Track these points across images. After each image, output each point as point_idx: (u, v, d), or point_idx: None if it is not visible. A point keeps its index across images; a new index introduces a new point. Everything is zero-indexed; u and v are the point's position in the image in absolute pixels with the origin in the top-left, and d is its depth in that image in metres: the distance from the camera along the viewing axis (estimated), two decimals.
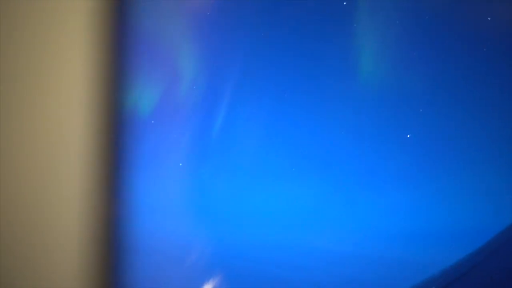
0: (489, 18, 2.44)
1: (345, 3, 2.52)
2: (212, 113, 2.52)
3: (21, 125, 0.89)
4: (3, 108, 0.88)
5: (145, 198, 2.23)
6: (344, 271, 2.27)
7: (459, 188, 2.38)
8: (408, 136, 2.47)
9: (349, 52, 2.51)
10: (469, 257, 2.22)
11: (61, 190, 0.90)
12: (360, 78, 2.51)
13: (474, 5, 2.45)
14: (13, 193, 0.88)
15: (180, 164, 2.44)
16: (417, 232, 2.32)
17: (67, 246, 0.89)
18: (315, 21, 2.50)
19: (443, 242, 2.29)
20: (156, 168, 2.38)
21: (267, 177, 2.55)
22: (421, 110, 2.50)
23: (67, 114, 0.90)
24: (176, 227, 2.33)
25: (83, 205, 0.90)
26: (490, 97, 2.44)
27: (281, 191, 2.53)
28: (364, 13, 2.50)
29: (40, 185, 0.89)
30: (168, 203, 2.37)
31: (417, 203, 2.38)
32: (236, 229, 2.40)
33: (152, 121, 2.40)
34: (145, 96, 2.43)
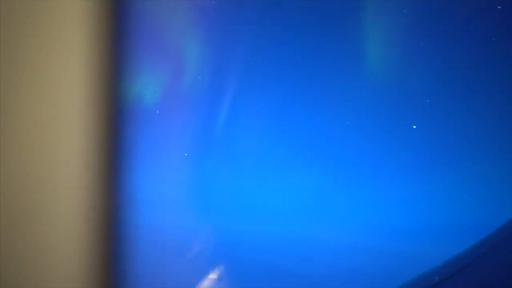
0: (499, 7, 2.41)
1: None
2: (216, 104, 2.52)
3: (21, 117, 0.89)
4: (5, 99, 0.88)
5: (148, 190, 2.25)
6: (347, 262, 2.29)
7: (462, 181, 2.37)
8: (414, 127, 2.46)
9: (353, 44, 2.49)
10: (471, 249, 2.23)
11: (63, 181, 0.90)
12: (364, 70, 2.49)
13: None
14: (13, 186, 0.89)
15: (186, 154, 2.45)
16: (421, 224, 2.33)
17: (68, 237, 0.89)
18: (320, 14, 2.48)
19: (446, 235, 2.30)
20: (160, 159, 2.39)
21: (271, 169, 2.55)
22: (427, 101, 2.49)
23: (69, 105, 0.90)
24: (180, 219, 2.34)
25: (85, 196, 0.90)
26: (495, 92, 2.43)
27: (285, 183, 2.54)
28: (369, 5, 2.48)
29: (41, 176, 0.89)
30: (171, 195, 2.39)
31: (421, 195, 2.38)
32: (240, 222, 2.41)
33: (157, 111, 2.40)
34: (149, 88, 2.43)
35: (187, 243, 2.20)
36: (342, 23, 2.44)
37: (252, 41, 2.49)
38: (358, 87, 2.43)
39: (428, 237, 2.26)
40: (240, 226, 2.33)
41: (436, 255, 2.21)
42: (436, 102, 2.43)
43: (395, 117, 2.45)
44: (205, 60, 2.51)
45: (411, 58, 2.47)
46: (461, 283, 2.16)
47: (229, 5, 2.49)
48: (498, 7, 2.38)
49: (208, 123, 2.53)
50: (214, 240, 2.24)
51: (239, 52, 2.52)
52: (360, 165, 2.40)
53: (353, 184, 2.38)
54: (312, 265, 2.27)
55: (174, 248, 2.18)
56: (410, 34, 2.43)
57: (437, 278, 2.18)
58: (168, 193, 2.30)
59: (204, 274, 2.15)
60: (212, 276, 2.16)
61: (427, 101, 2.45)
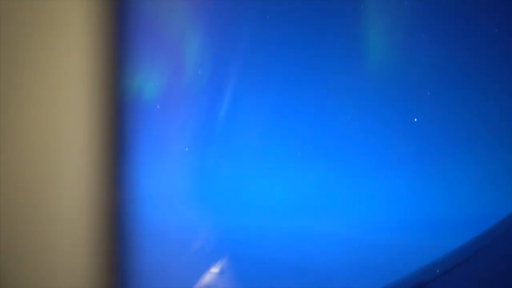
0: None
1: None
2: (217, 99, 2.52)
3: (23, 114, 0.89)
4: (7, 96, 0.88)
5: (149, 186, 2.25)
6: (349, 256, 2.29)
7: (463, 175, 2.38)
8: (415, 120, 2.46)
9: (354, 39, 2.49)
10: (473, 242, 2.24)
11: (66, 177, 0.90)
12: (365, 65, 2.49)
13: None
14: (15, 183, 0.89)
15: (186, 149, 2.45)
16: (422, 217, 2.33)
17: (72, 234, 0.89)
18: (320, 7, 2.47)
19: (448, 228, 2.31)
20: (161, 154, 2.39)
21: (272, 163, 2.55)
22: (429, 94, 2.49)
23: (71, 102, 0.90)
24: (181, 214, 2.35)
25: (88, 192, 0.90)
26: (496, 86, 2.42)
27: (286, 178, 2.54)
28: (371, 0, 2.47)
29: (43, 173, 0.89)
30: (173, 190, 2.39)
31: (422, 189, 2.38)
32: (241, 216, 2.42)
33: (158, 107, 2.40)
34: (149, 83, 2.42)
35: (190, 238, 2.21)
36: (343, 17, 2.43)
37: (252, 36, 2.48)
38: (358, 82, 2.43)
39: (430, 230, 2.27)
40: (241, 221, 2.34)
41: (437, 248, 2.22)
42: (437, 95, 2.42)
43: (396, 111, 2.44)
44: (205, 55, 2.51)
45: (411, 51, 2.46)
46: (462, 276, 2.17)
47: (230, 1, 2.48)
48: None
49: (209, 117, 2.53)
50: (216, 234, 2.25)
51: (239, 47, 2.51)
52: (361, 159, 2.40)
53: (355, 178, 2.39)
54: (313, 258, 2.28)
55: (176, 243, 2.19)
56: (410, 27, 2.42)
57: (438, 270, 2.19)
58: (169, 188, 2.31)
59: (206, 268, 2.16)
60: (215, 270, 2.17)
61: (428, 93, 2.44)
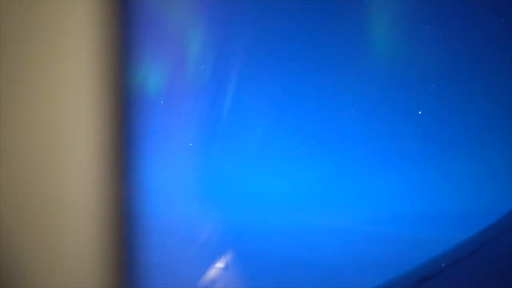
0: None
1: None
2: (220, 94, 2.52)
3: (31, 112, 0.89)
4: (15, 93, 0.89)
5: (155, 181, 2.25)
6: (353, 249, 2.29)
7: (468, 169, 2.37)
8: (420, 112, 2.44)
9: (358, 33, 2.47)
10: (477, 236, 2.23)
11: (73, 173, 0.90)
12: (368, 60, 2.47)
13: None
14: (24, 179, 0.89)
15: (190, 144, 2.45)
16: (427, 211, 2.33)
17: (80, 228, 0.90)
18: (324, 4, 2.46)
19: (452, 221, 2.30)
20: (166, 149, 2.39)
21: (276, 158, 2.55)
22: (433, 86, 2.47)
23: (78, 99, 0.90)
24: (186, 208, 2.35)
25: (95, 188, 0.91)
26: (501, 81, 2.41)
27: (290, 172, 2.54)
28: None
29: (52, 169, 0.90)
30: (178, 185, 2.39)
31: (427, 183, 2.38)
32: (246, 210, 2.42)
33: (162, 102, 2.40)
34: (153, 77, 2.42)
35: (194, 233, 2.21)
36: (346, 12, 2.41)
37: (255, 32, 2.47)
38: (361, 77, 2.42)
39: (434, 224, 2.27)
40: (246, 216, 2.33)
41: (442, 242, 2.22)
42: (441, 91, 2.41)
43: (399, 107, 2.43)
44: (209, 51, 2.50)
45: (415, 46, 2.44)
46: (467, 269, 2.16)
47: None
48: None
49: (212, 113, 2.53)
50: (221, 229, 2.25)
51: (242, 43, 2.50)
52: (365, 154, 2.40)
53: (358, 173, 2.38)
54: (318, 252, 2.27)
55: (182, 238, 2.19)
56: (414, 21, 2.40)
57: (443, 264, 2.19)
58: (174, 184, 2.31)
59: (211, 262, 2.16)
60: (220, 264, 2.17)
61: (433, 85, 2.43)
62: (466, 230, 2.25)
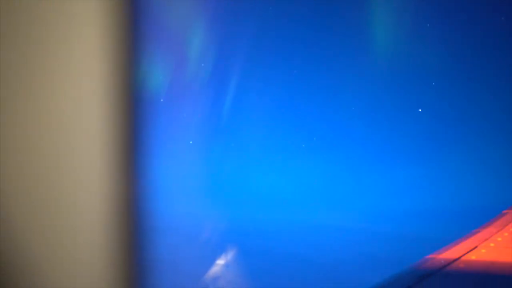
0: None
1: None
2: (222, 92, 2.52)
3: (41, 109, 0.90)
4: (26, 91, 0.89)
5: (159, 178, 2.25)
6: (354, 247, 2.31)
7: (469, 166, 2.38)
8: (420, 110, 2.45)
9: (359, 32, 2.47)
10: (477, 233, 2.24)
11: (80, 172, 0.91)
12: (369, 58, 2.48)
13: None
14: (34, 178, 0.90)
15: (191, 142, 2.45)
16: (427, 209, 2.34)
17: (89, 226, 0.91)
18: (325, 2, 2.46)
19: (451, 219, 2.32)
20: (168, 147, 2.40)
21: (278, 156, 2.56)
22: (433, 83, 2.48)
23: (84, 97, 0.91)
24: (189, 207, 2.36)
25: (103, 187, 0.91)
26: (502, 77, 2.41)
27: (292, 170, 2.55)
28: None
29: (62, 167, 0.90)
30: (181, 183, 2.40)
31: (428, 181, 2.39)
32: (248, 207, 2.43)
33: (161, 100, 2.39)
34: (156, 76, 2.42)
35: (198, 231, 2.22)
36: (347, 11, 2.41)
37: (257, 31, 2.47)
38: (363, 76, 2.43)
39: (434, 222, 2.28)
40: (249, 213, 2.34)
41: (441, 239, 2.23)
42: (441, 89, 2.42)
43: (401, 105, 2.44)
44: (210, 49, 2.50)
45: (416, 44, 2.45)
46: (466, 267, 2.18)
47: None
48: None
49: (214, 111, 2.53)
50: (224, 227, 2.26)
51: (244, 41, 2.50)
52: (366, 152, 2.41)
53: (359, 171, 2.39)
54: (319, 250, 2.28)
55: (185, 236, 2.20)
56: (415, 20, 2.41)
57: (443, 261, 2.20)
58: (177, 182, 2.31)
59: (215, 260, 2.17)
60: (223, 262, 2.18)
61: (433, 83, 2.44)
62: (466, 227, 2.26)
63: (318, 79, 2.56)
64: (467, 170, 2.39)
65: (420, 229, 2.31)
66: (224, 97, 2.57)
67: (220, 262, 2.20)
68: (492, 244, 2.20)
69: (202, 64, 2.57)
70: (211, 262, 2.18)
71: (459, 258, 2.19)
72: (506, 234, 2.21)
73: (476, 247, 2.22)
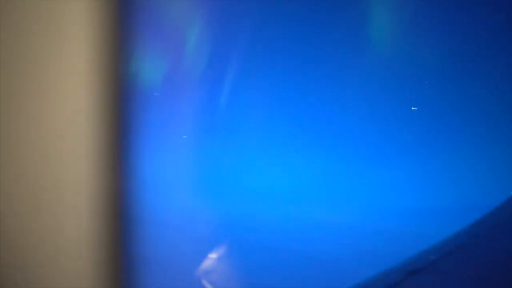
0: None
1: None
2: (218, 86, 2.52)
3: (26, 103, 0.91)
4: (13, 85, 0.90)
5: (151, 173, 2.27)
6: (350, 243, 2.34)
7: (467, 164, 2.40)
8: (414, 108, 2.47)
9: (355, 29, 2.48)
10: (468, 229, 2.28)
11: (68, 165, 0.92)
12: (366, 53, 2.48)
13: None
14: (21, 171, 0.91)
15: (185, 137, 2.46)
16: (423, 205, 2.37)
17: (77, 220, 0.92)
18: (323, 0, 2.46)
19: (444, 215, 2.35)
20: (162, 141, 2.41)
21: (274, 151, 2.57)
22: (427, 82, 2.49)
23: (73, 90, 0.91)
24: (183, 201, 2.38)
25: (91, 181, 0.92)
26: (497, 72, 2.43)
27: (288, 165, 2.57)
28: None
29: (46, 160, 0.91)
30: (175, 178, 2.42)
31: (427, 178, 2.41)
32: (243, 202, 2.45)
33: (155, 93, 2.39)
34: (150, 70, 2.42)
35: (191, 226, 2.24)
36: (344, 7, 2.41)
37: (254, 26, 2.47)
38: (359, 71, 2.43)
39: (425, 218, 2.31)
40: (243, 206, 2.37)
41: (432, 235, 2.27)
42: (438, 84, 2.43)
43: (397, 99, 2.45)
44: (206, 43, 2.50)
45: (413, 39, 2.45)
46: (455, 262, 2.22)
47: None
48: None
49: (210, 105, 2.53)
50: (218, 222, 2.29)
51: (241, 36, 2.50)
52: (363, 148, 2.42)
53: (356, 167, 2.41)
54: (315, 246, 2.32)
55: (179, 231, 2.22)
56: (411, 17, 2.41)
57: (433, 257, 2.24)
58: (171, 177, 2.33)
59: (208, 256, 2.21)
60: (218, 257, 2.21)
61: (427, 82, 2.46)
62: (456, 224, 2.30)
63: (315, 75, 2.56)
64: (466, 168, 2.42)
65: (419, 226, 2.34)
66: (220, 91, 2.57)
67: (215, 256, 2.23)
68: (480, 241, 2.24)
69: (199, 58, 2.58)
70: (206, 257, 2.21)
71: (448, 254, 2.23)
72: (493, 231, 2.25)
73: (465, 243, 2.27)
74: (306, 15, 2.51)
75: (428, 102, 2.43)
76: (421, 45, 2.52)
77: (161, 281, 2.07)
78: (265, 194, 2.46)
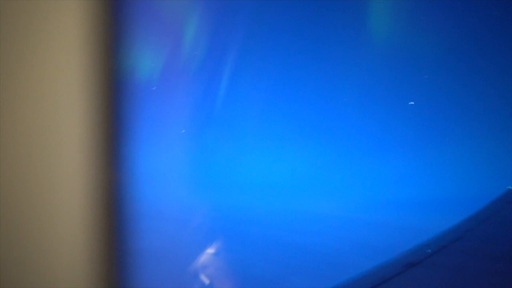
0: None
1: None
2: (215, 80, 2.51)
3: (20, 101, 0.90)
4: (7, 82, 0.89)
5: (148, 167, 2.27)
6: (346, 235, 2.35)
7: (463, 156, 2.42)
8: (412, 103, 2.48)
9: (354, 23, 2.48)
10: (462, 223, 2.30)
11: (64, 158, 0.91)
12: (363, 48, 2.49)
13: None
14: (16, 168, 0.90)
15: (183, 131, 2.45)
16: (418, 198, 2.39)
17: (72, 215, 0.91)
18: None
19: (442, 209, 2.37)
20: (158, 135, 2.40)
21: (270, 144, 2.58)
22: (426, 76, 2.51)
23: (66, 82, 0.91)
24: (181, 193, 2.38)
25: (87, 176, 0.92)
26: (494, 69, 2.45)
27: (284, 158, 2.57)
28: None
29: (42, 153, 0.91)
30: (171, 171, 2.41)
31: (422, 170, 2.43)
32: (240, 195, 2.46)
33: (154, 88, 2.38)
34: (147, 64, 2.41)
35: (188, 219, 2.23)
36: (342, 4, 2.42)
37: (251, 19, 2.47)
38: (357, 65, 2.44)
39: (422, 211, 2.33)
40: (239, 199, 2.37)
41: (429, 229, 2.28)
42: (435, 79, 2.45)
43: (393, 93, 2.47)
44: (204, 37, 2.49)
45: (411, 36, 2.47)
46: (451, 255, 2.24)
47: None
48: None
49: (206, 100, 2.53)
50: (216, 215, 2.28)
51: (238, 30, 2.50)
52: (358, 141, 2.44)
53: (352, 160, 2.42)
54: (311, 238, 2.32)
55: (175, 223, 2.21)
56: (410, 13, 2.42)
57: (429, 250, 2.26)
58: (168, 170, 2.32)
59: (204, 248, 2.19)
60: (213, 251, 2.20)
61: (426, 76, 2.47)
62: (453, 217, 2.32)
63: (312, 69, 2.57)
64: (463, 162, 2.44)
65: (416, 220, 2.36)
66: (217, 86, 2.57)
67: (212, 249, 2.23)
68: (475, 234, 2.26)
69: (195, 53, 2.57)
70: (203, 250, 2.21)
71: (444, 247, 2.25)
72: (487, 225, 2.27)
73: (463, 236, 2.28)
74: (303, 11, 2.51)
75: (425, 96, 2.46)
76: (421, 41, 2.53)
77: (157, 274, 2.06)
78: (262, 188, 2.46)
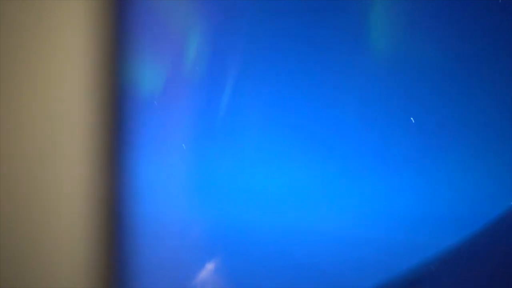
0: None
1: None
2: (216, 93, 2.51)
3: (21, 107, 0.89)
4: (8, 87, 0.88)
5: (148, 181, 2.26)
6: (348, 252, 2.32)
7: (465, 172, 2.39)
8: (412, 120, 2.46)
9: (356, 34, 2.47)
10: (467, 239, 2.27)
11: (63, 171, 0.91)
12: (367, 59, 2.47)
13: None
14: (14, 177, 0.90)
15: (184, 146, 2.44)
16: (422, 215, 2.35)
17: (70, 228, 0.90)
18: (322, 2, 2.45)
19: (447, 225, 2.33)
20: (160, 150, 2.39)
21: (272, 159, 2.56)
22: (427, 89, 2.48)
23: (69, 95, 0.90)
24: (180, 209, 2.36)
25: (86, 187, 0.91)
26: (497, 83, 2.42)
27: (286, 173, 2.55)
28: None
29: (41, 166, 0.90)
30: (172, 186, 2.40)
31: (423, 186, 2.39)
32: (241, 212, 2.43)
33: (155, 102, 2.38)
34: (148, 76, 2.41)
35: (188, 234, 2.22)
36: (344, 12, 2.40)
37: (252, 30, 2.46)
38: (359, 78, 2.42)
39: (430, 228, 2.29)
40: (240, 214, 2.34)
41: (433, 245, 2.25)
42: (438, 93, 2.42)
43: (397, 108, 2.44)
44: (205, 48, 2.49)
45: (413, 48, 2.44)
46: (456, 273, 2.20)
47: None
48: None
49: (208, 112, 2.52)
50: (215, 230, 2.27)
51: (239, 40, 2.49)
52: (361, 156, 2.40)
53: (355, 175, 2.39)
54: (313, 255, 2.30)
55: (175, 238, 2.20)
56: (411, 23, 2.40)
57: (433, 267, 2.22)
58: (168, 184, 2.31)
59: (204, 264, 2.18)
60: (213, 267, 2.19)
61: (428, 91, 2.44)
62: (457, 233, 2.28)
63: (314, 80, 2.55)
64: (466, 176, 2.41)
65: (419, 235, 2.32)
66: (219, 97, 2.56)
67: (212, 262, 2.21)
68: (481, 250, 2.22)
69: (198, 62, 2.57)
70: (202, 265, 2.19)
71: (449, 264, 2.21)
72: (497, 242, 2.23)
73: (468, 252, 2.25)
74: (306, 20, 2.50)
75: (427, 108, 2.42)
76: (424, 50, 2.50)
77: (157, 285, 2.05)
78: (263, 201, 2.43)
